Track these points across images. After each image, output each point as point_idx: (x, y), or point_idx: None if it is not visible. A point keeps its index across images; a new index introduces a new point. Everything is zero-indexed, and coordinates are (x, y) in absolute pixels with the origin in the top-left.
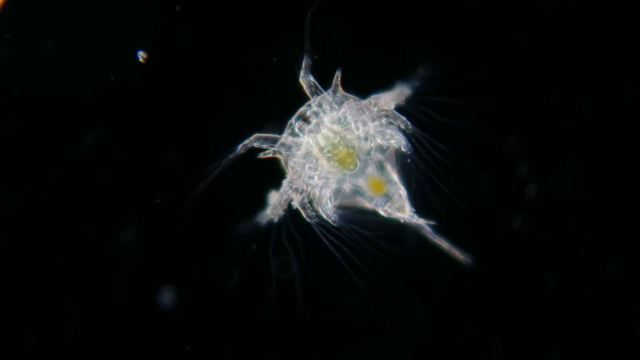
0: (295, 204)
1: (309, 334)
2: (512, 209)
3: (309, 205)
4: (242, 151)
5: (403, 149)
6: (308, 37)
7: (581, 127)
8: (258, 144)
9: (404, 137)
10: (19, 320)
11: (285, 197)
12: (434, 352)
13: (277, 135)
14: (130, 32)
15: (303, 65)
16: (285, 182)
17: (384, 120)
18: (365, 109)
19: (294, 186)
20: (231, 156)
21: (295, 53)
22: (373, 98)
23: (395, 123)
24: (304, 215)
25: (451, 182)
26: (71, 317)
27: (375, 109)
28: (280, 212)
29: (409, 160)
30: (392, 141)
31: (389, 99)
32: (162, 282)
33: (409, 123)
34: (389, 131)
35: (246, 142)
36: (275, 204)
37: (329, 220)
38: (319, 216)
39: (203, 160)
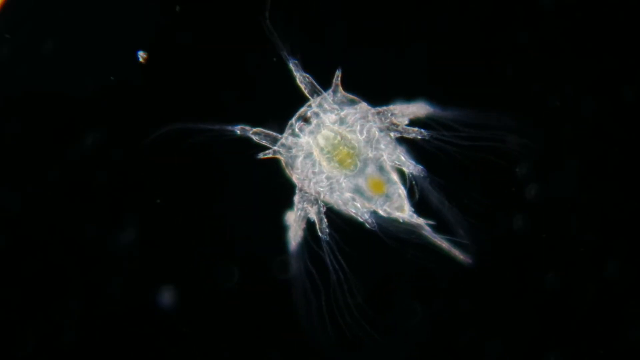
0: (313, 217)
1: (309, 334)
2: (512, 209)
3: (330, 212)
4: (238, 132)
5: (417, 173)
6: (276, 39)
7: (581, 127)
8: (257, 137)
9: (415, 162)
10: (19, 320)
11: (300, 212)
12: (434, 352)
13: (278, 135)
14: (130, 32)
15: (292, 68)
16: (296, 199)
17: (392, 134)
18: (375, 116)
19: (305, 198)
20: (227, 128)
21: (295, 52)
22: (389, 108)
23: (406, 136)
24: (318, 229)
25: (451, 185)
26: (71, 317)
27: (387, 121)
28: (301, 231)
29: (425, 181)
30: (405, 168)
31: (405, 113)
32: (162, 282)
33: (422, 133)
34: (398, 153)
35: (247, 127)
36: (293, 224)
37: (366, 224)
38: (348, 219)
39: (203, 160)
